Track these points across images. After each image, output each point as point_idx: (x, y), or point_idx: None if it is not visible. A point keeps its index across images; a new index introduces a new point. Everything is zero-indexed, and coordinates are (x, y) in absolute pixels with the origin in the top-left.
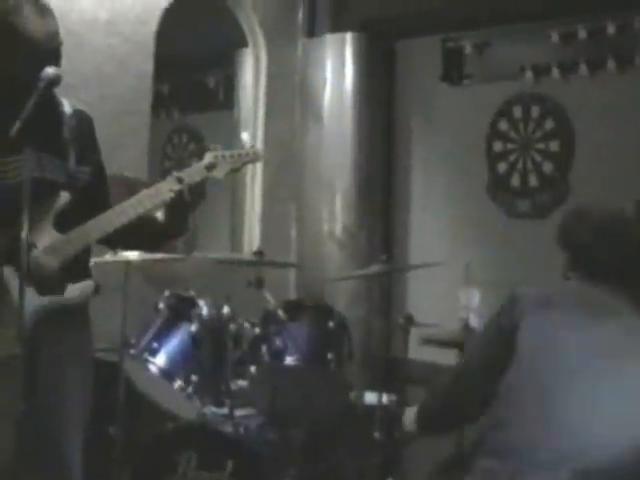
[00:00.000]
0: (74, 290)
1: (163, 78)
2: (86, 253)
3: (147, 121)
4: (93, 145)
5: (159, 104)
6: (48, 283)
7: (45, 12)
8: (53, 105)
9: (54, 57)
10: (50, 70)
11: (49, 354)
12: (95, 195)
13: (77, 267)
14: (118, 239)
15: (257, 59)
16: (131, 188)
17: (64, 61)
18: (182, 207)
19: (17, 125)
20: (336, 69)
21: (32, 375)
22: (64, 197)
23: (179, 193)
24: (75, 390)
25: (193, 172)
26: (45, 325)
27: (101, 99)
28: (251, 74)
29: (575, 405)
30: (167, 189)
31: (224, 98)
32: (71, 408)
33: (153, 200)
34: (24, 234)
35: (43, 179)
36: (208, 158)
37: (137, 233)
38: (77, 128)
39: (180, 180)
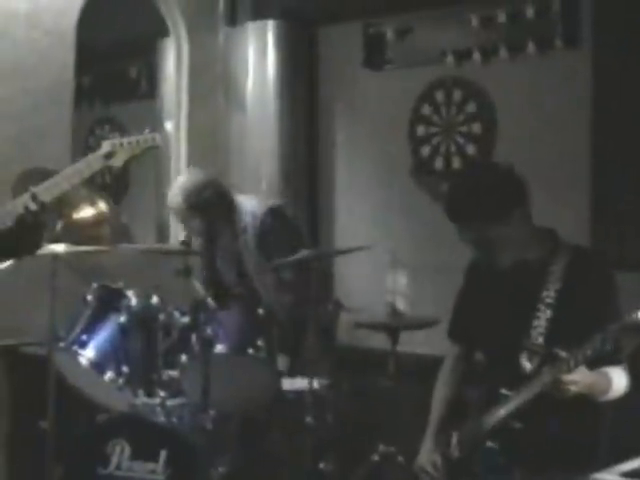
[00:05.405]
0: None
1: (84, 69)
2: None
3: (69, 113)
4: None
5: (81, 96)
6: None
7: None
8: None
9: None
10: None
11: None
12: None
13: None
14: None
15: (179, 48)
16: None
17: None
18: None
19: None
20: (258, 57)
21: None
22: None
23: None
24: None
25: (91, 161)
26: None
27: (23, 92)
28: (173, 63)
29: None
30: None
31: (146, 88)
32: None
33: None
34: None
35: None
36: (106, 147)
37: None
38: None
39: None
